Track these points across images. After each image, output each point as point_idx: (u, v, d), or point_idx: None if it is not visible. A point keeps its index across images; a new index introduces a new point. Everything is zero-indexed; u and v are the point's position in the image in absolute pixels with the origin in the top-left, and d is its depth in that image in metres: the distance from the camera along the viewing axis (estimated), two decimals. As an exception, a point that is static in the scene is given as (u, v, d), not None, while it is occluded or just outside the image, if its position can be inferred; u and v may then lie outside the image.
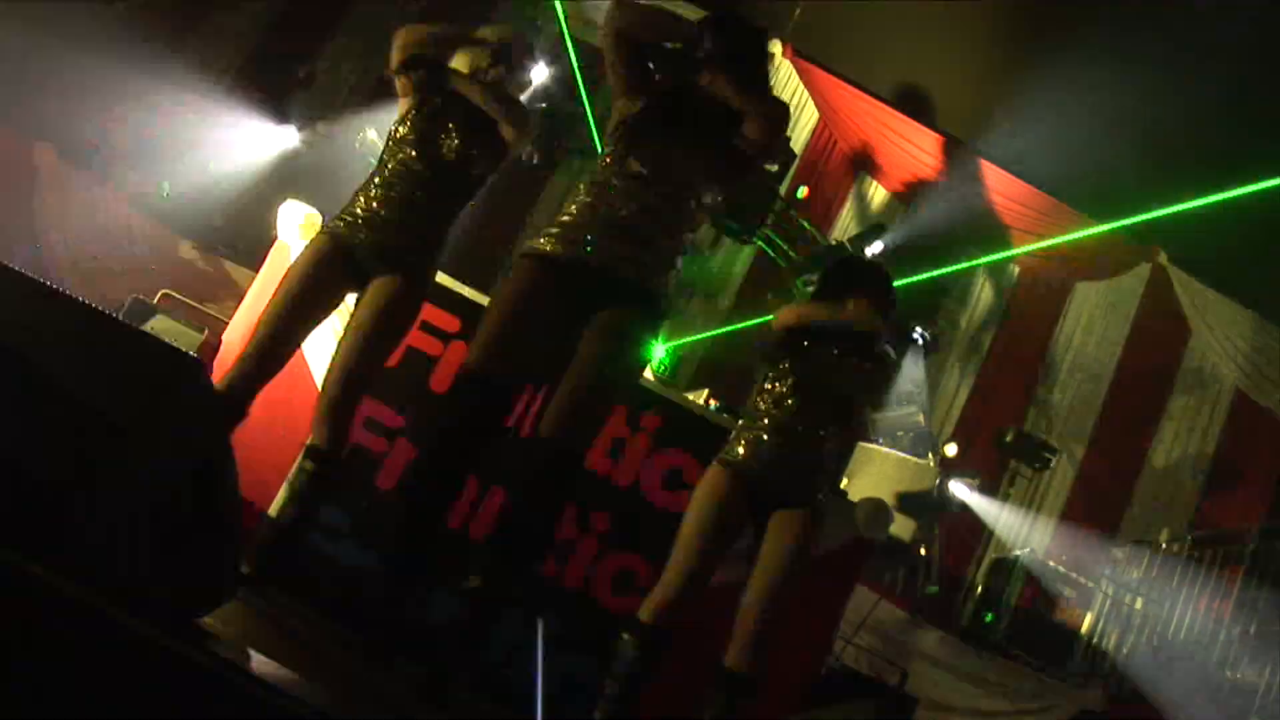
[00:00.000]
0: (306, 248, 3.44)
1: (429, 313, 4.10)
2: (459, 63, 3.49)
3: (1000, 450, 9.09)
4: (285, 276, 3.37)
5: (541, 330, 2.81)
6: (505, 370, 2.76)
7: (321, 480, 3.34)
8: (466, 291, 4.19)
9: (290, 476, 3.39)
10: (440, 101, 3.41)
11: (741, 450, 3.35)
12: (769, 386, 3.44)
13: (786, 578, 3.31)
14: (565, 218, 2.86)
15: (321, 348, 3.88)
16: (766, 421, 3.37)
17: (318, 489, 3.35)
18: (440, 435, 2.87)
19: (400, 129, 3.42)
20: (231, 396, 3.15)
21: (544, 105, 9.50)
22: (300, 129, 9.41)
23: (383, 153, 3.47)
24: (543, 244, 2.84)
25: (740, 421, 3.49)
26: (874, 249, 9.43)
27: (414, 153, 3.37)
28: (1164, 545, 8.30)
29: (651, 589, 3.33)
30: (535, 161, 9.35)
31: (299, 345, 3.40)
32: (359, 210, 3.35)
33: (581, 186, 2.92)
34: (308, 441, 3.36)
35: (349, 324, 3.39)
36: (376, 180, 3.40)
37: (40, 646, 1.60)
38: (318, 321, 3.40)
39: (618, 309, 2.83)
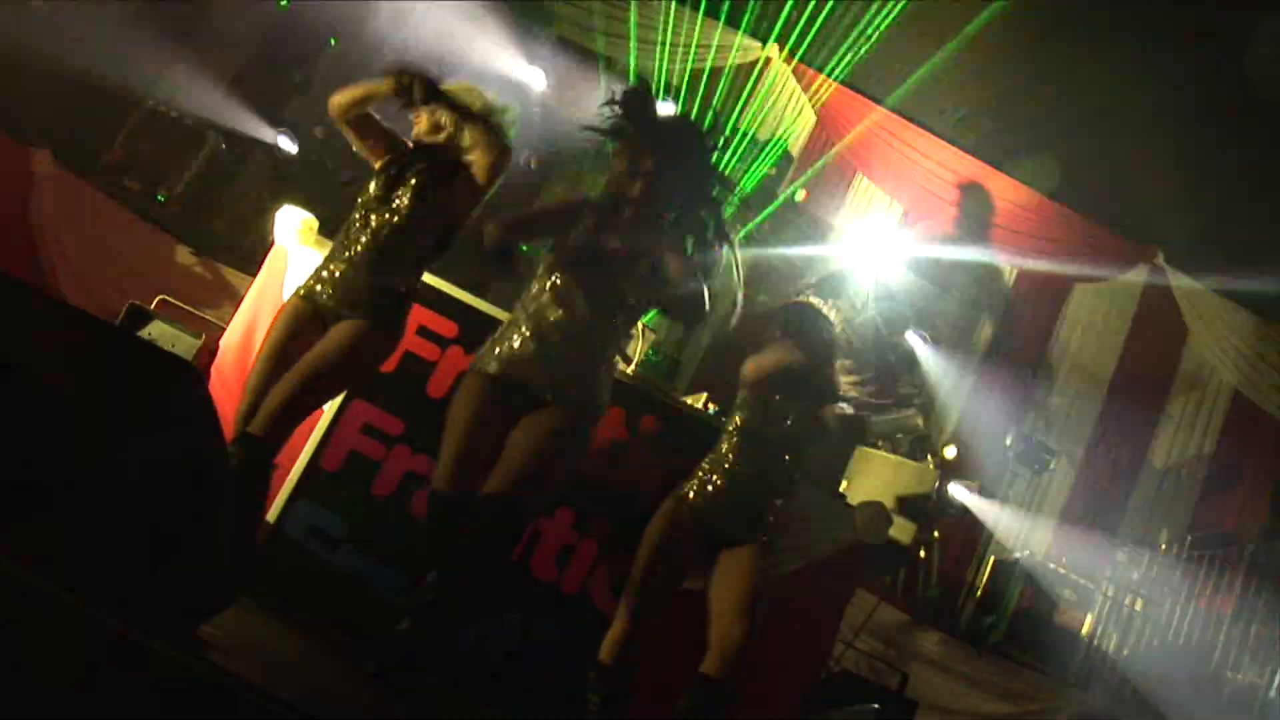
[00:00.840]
0: (284, 307, 3.51)
1: (426, 318, 4.10)
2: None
3: (999, 452, 9.08)
4: (265, 338, 3.46)
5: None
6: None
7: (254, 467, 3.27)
8: (463, 296, 4.18)
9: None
10: (400, 165, 3.50)
11: (693, 492, 3.50)
12: (730, 429, 3.59)
13: (748, 600, 3.42)
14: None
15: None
16: (726, 466, 3.52)
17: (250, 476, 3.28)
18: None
19: (369, 188, 3.51)
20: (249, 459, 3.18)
21: (535, 108, 9.52)
22: (297, 134, 9.40)
23: (353, 211, 3.52)
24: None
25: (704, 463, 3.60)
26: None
27: (371, 214, 3.44)
28: (1163, 546, 8.29)
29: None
30: (533, 167, 9.35)
31: None
32: (325, 272, 3.45)
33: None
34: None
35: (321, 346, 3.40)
36: (342, 239, 3.48)
37: (35, 655, 1.59)
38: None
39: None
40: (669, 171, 3.00)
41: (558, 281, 3.03)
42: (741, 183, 9.76)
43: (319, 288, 3.43)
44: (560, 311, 2.99)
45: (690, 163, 3.06)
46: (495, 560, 3.05)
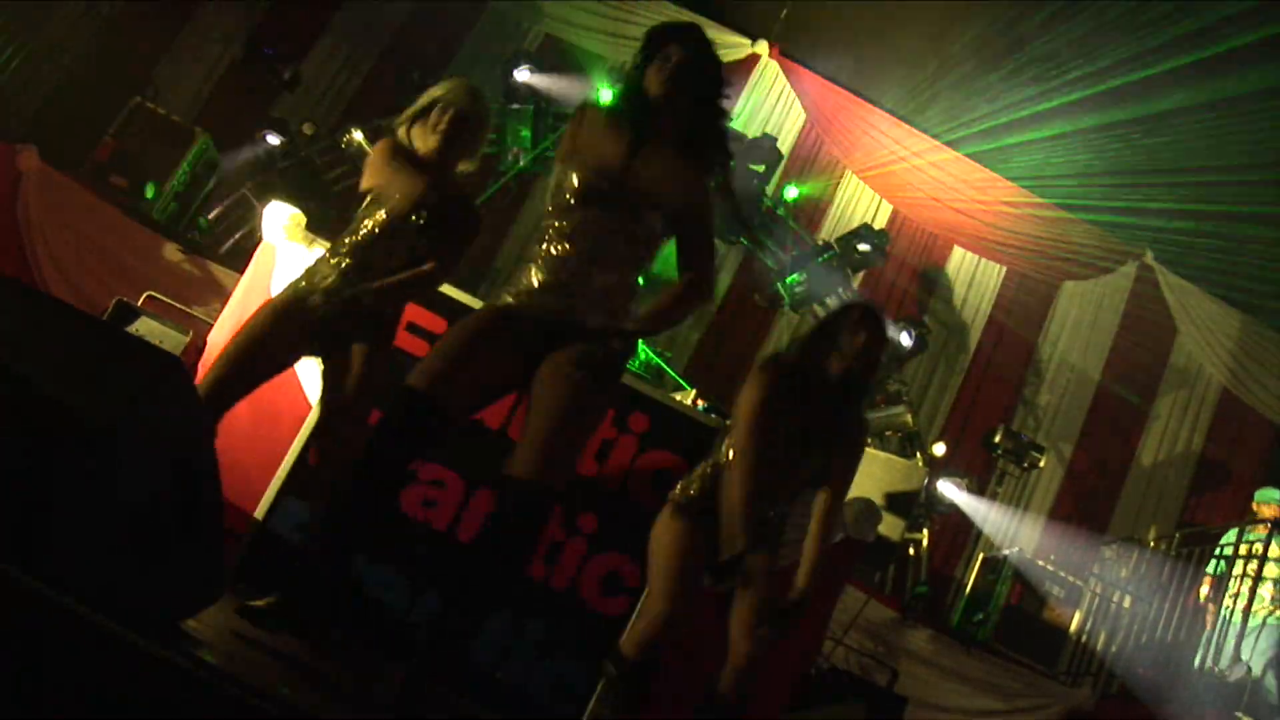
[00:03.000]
0: (272, 301, 3.38)
1: (417, 314, 4.09)
2: (416, 135, 3.38)
3: (988, 449, 9.12)
4: (244, 323, 3.32)
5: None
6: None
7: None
8: (454, 293, 4.17)
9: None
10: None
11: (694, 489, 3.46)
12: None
13: (759, 618, 3.40)
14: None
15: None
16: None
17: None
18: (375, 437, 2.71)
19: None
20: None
21: (532, 107, 9.51)
22: (286, 130, 9.38)
23: (358, 210, 3.40)
24: None
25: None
26: (863, 248, 9.46)
27: (379, 217, 3.30)
28: (1152, 543, 8.32)
29: (639, 590, 3.36)
30: (521, 164, 9.35)
31: (247, 392, 3.29)
32: (325, 270, 3.29)
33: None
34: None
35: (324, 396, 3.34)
36: (346, 240, 3.33)
37: (22, 652, 1.58)
38: (268, 374, 3.32)
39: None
40: (696, 63, 2.85)
41: (571, 217, 2.76)
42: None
43: (315, 290, 3.30)
44: (574, 245, 2.72)
45: (709, 64, 2.92)
46: (524, 551, 2.76)
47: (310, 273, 3.33)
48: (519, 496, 2.62)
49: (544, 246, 2.77)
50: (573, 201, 2.74)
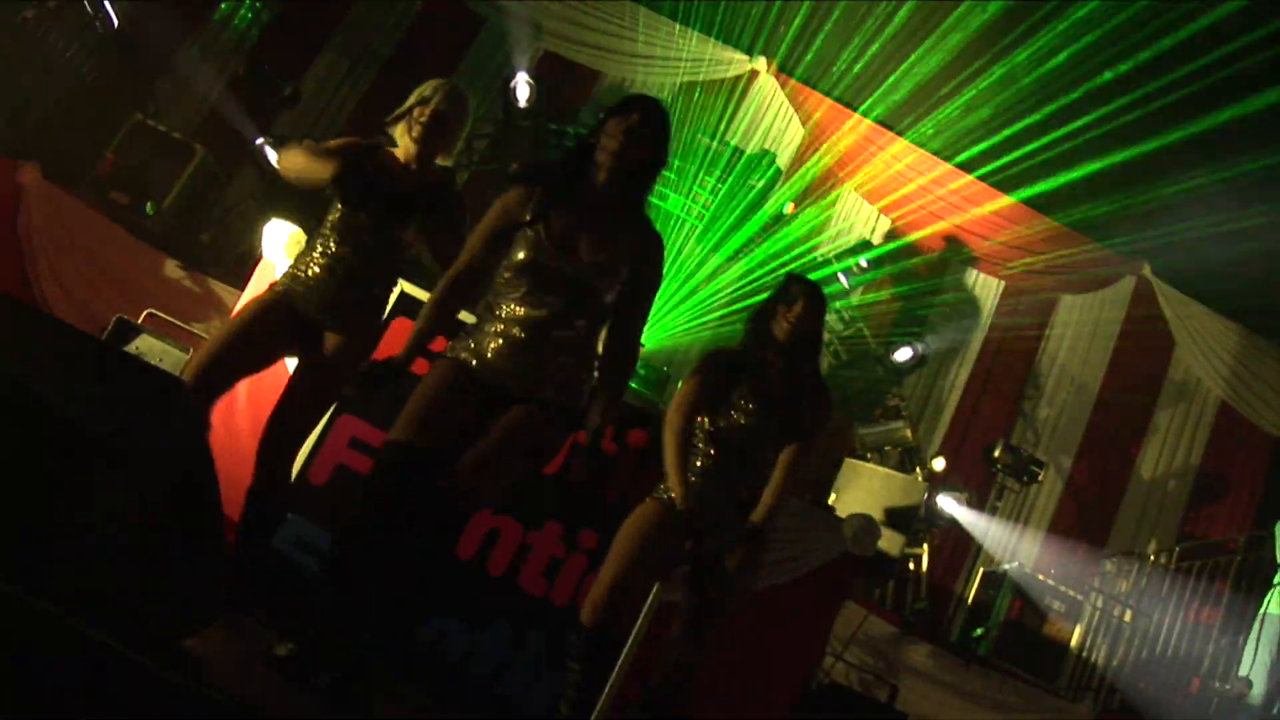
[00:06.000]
0: (259, 297, 3.52)
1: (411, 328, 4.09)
2: (399, 132, 3.55)
3: (988, 464, 9.12)
4: (229, 320, 3.50)
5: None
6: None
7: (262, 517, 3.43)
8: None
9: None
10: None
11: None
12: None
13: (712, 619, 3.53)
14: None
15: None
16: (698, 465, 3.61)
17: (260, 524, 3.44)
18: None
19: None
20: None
21: (525, 122, 9.54)
22: (285, 146, 9.37)
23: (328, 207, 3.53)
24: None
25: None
26: (862, 263, 9.51)
27: (336, 209, 3.46)
28: (1152, 557, 8.31)
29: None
30: (518, 174, 9.35)
31: (229, 386, 3.44)
32: (301, 269, 3.44)
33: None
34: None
35: (293, 380, 3.47)
36: (319, 236, 3.48)
37: (21, 669, 1.58)
38: (252, 366, 3.46)
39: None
40: (650, 127, 3.01)
41: (527, 277, 2.97)
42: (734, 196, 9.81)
43: (295, 286, 3.45)
44: (532, 310, 2.95)
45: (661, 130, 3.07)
46: (437, 547, 2.93)
47: (292, 273, 3.46)
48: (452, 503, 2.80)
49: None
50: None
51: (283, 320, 3.39)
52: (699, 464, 3.59)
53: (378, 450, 3.02)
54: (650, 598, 3.37)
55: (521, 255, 2.95)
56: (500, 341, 2.95)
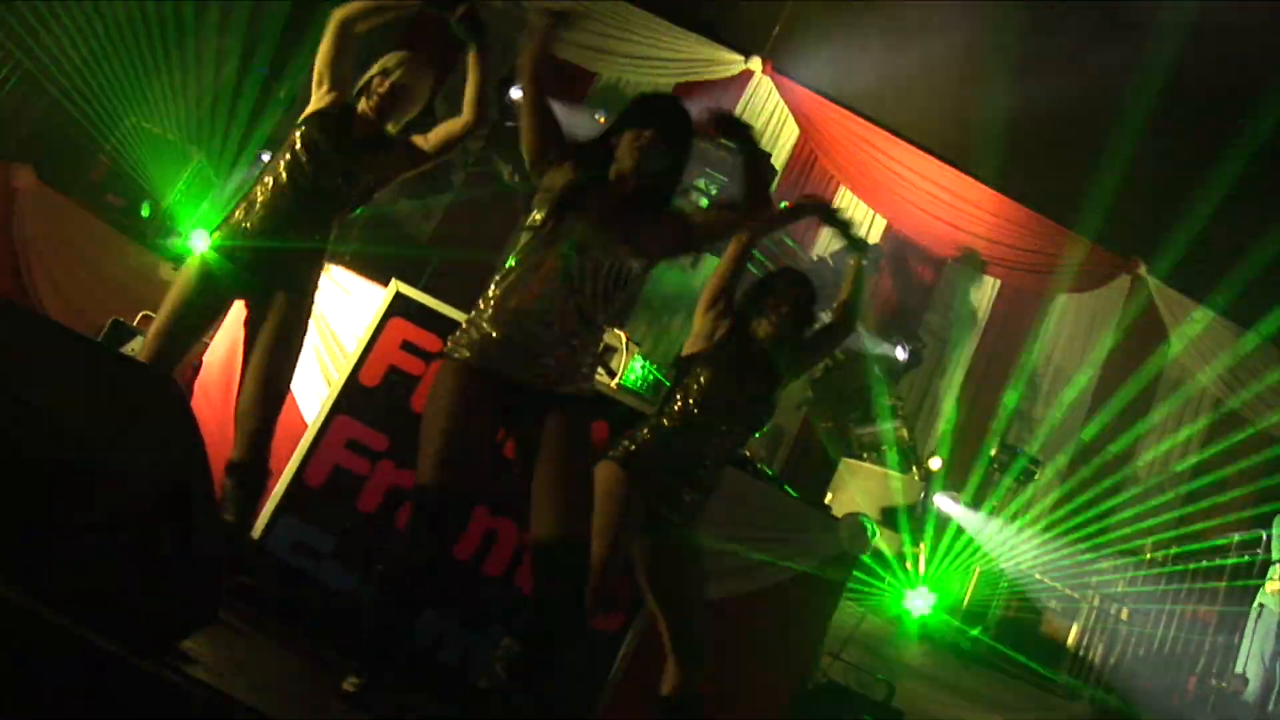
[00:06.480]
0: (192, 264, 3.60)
1: (410, 332, 4.09)
2: (362, 100, 3.68)
3: (984, 463, 9.13)
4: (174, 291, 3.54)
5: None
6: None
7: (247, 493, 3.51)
8: (447, 310, 4.17)
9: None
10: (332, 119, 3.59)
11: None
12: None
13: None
14: None
15: (305, 366, 3.87)
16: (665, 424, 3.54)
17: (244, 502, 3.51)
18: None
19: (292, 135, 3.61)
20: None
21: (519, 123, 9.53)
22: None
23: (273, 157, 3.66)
24: None
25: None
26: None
27: (293, 163, 3.55)
28: (1148, 556, 8.33)
29: (636, 606, 3.36)
30: (516, 180, 9.37)
31: (187, 350, 3.62)
32: (235, 224, 3.55)
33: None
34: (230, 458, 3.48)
35: (255, 348, 3.55)
36: (259, 190, 3.58)
37: (20, 669, 1.59)
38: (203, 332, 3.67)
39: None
40: (666, 143, 3.01)
41: (537, 266, 2.94)
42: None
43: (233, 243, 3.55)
44: (543, 300, 2.92)
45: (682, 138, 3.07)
46: (579, 610, 3.00)
47: (232, 226, 3.56)
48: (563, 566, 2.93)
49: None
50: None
51: (227, 273, 3.50)
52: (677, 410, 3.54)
53: (408, 492, 3.26)
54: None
55: (546, 241, 2.94)
56: (512, 333, 2.91)
